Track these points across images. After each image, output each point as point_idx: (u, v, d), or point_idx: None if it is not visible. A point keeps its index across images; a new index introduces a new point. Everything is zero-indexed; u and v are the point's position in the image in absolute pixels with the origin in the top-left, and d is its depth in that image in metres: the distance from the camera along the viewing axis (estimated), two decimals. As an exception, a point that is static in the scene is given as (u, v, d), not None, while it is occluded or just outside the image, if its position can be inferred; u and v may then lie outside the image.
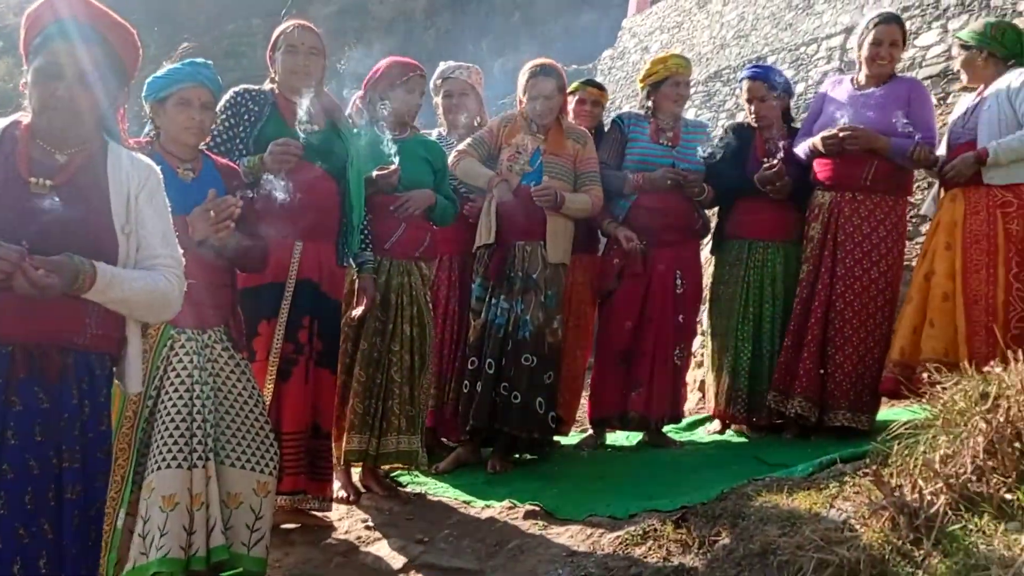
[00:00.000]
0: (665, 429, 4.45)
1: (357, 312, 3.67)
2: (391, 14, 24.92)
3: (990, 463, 2.27)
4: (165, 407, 2.66)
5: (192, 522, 2.61)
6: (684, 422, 4.82)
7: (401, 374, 3.77)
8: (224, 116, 3.34)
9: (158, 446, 2.62)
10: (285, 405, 3.30)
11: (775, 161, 4.13)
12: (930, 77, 7.35)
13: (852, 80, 4.23)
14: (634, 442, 4.52)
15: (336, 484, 3.67)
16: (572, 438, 4.65)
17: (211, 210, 2.60)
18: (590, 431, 4.55)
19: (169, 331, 2.70)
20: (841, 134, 3.95)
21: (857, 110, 4.02)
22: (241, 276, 3.17)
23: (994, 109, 3.71)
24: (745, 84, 4.48)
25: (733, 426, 4.51)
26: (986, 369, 2.47)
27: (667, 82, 4.31)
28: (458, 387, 4.12)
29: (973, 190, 3.75)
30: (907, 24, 7.66)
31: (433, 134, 4.47)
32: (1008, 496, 2.18)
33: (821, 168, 4.13)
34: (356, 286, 3.71)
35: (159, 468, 2.59)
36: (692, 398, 5.35)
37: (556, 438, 4.40)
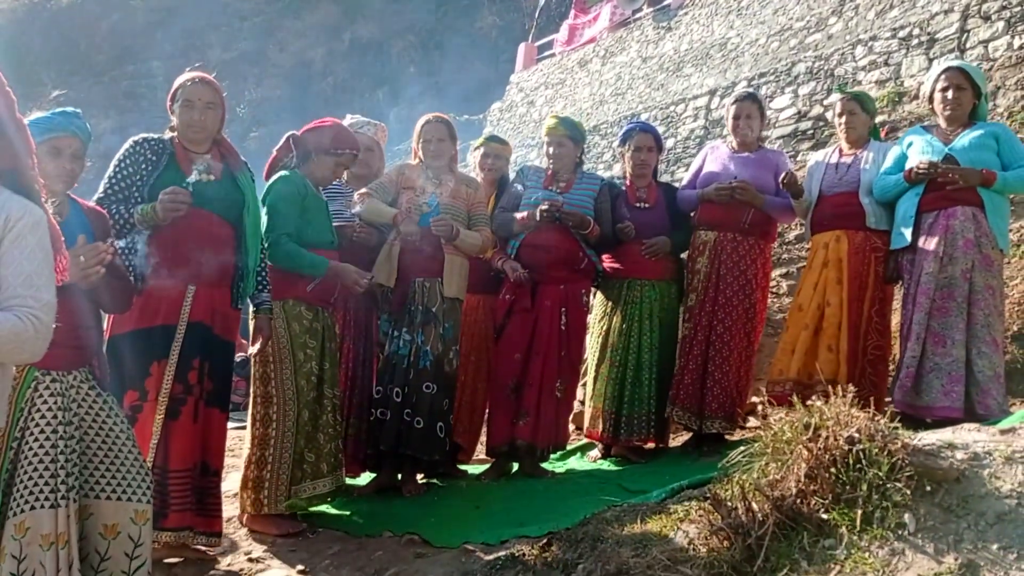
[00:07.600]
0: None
1: (253, 350, 3.81)
2: (290, 62, 24.85)
3: (812, 487, 2.57)
4: (31, 447, 2.64)
5: (58, 560, 2.61)
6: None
7: (331, 415, 3.96)
8: (122, 164, 3.42)
9: (27, 486, 2.59)
10: (173, 443, 3.38)
11: (627, 224, 4.66)
12: (782, 136, 8.01)
13: (728, 145, 4.87)
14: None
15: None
16: (473, 469, 4.86)
17: (81, 255, 2.62)
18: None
19: (33, 373, 2.68)
20: (735, 185, 4.54)
21: (738, 168, 4.69)
22: (133, 317, 3.26)
23: (872, 171, 4.31)
24: (637, 135, 4.87)
25: (614, 449, 4.80)
26: (809, 402, 2.83)
27: (546, 140, 4.77)
28: (358, 419, 4.34)
29: (854, 233, 4.31)
30: (763, 89, 8.36)
31: None
32: (825, 516, 2.47)
33: (708, 212, 4.71)
34: (252, 326, 3.84)
35: (32, 508, 2.58)
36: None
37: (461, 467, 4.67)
